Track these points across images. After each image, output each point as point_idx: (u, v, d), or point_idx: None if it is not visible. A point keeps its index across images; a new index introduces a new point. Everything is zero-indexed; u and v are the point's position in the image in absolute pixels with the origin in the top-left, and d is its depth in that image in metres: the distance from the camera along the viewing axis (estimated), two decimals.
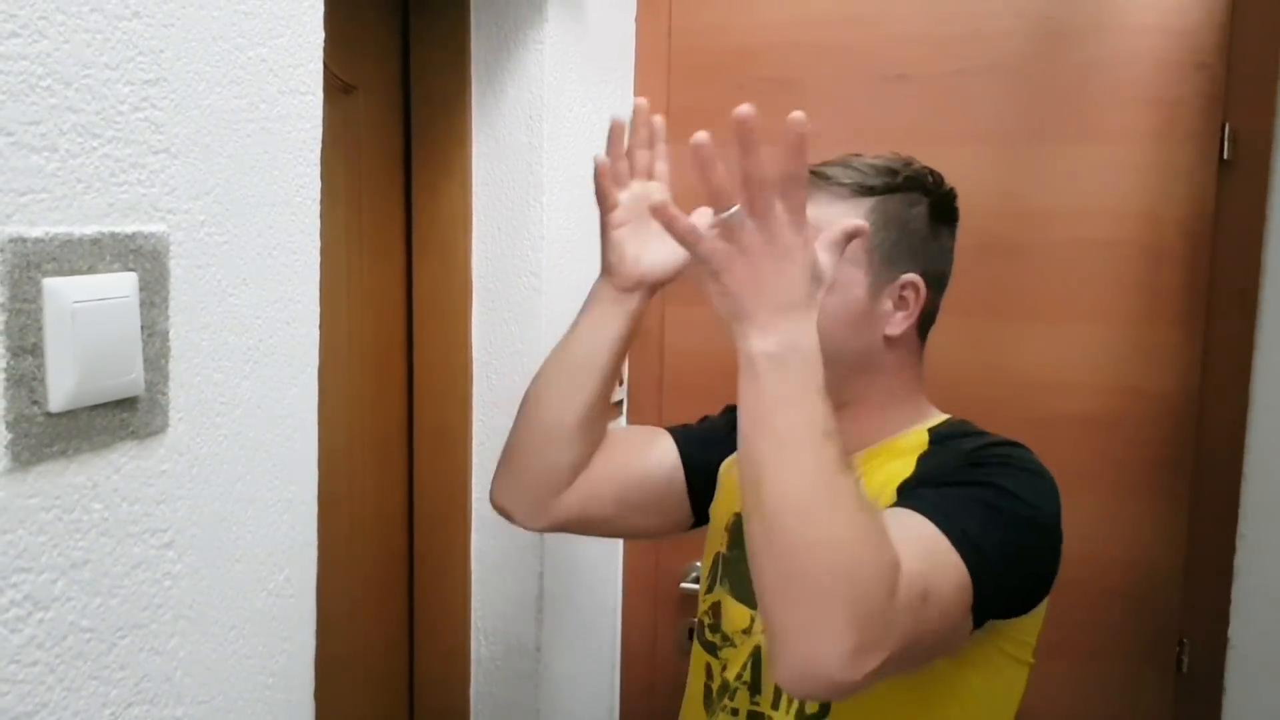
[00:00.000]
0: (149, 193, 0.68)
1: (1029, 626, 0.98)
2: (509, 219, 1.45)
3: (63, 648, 0.64)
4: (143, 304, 0.68)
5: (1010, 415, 1.54)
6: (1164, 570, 1.57)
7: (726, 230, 0.82)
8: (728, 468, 1.17)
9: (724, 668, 1.08)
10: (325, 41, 0.87)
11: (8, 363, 0.59)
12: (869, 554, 0.77)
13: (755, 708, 1.03)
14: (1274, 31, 1.46)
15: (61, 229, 0.62)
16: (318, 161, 0.87)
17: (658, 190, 1.17)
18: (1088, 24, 1.55)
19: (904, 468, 0.99)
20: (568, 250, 1.50)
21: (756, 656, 1.04)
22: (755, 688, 1.04)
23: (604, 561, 1.74)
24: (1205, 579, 1.54)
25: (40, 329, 0.61)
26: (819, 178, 1.02)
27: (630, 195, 1.16)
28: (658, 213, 0.84)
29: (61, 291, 0.62)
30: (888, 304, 1.03)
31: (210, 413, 0.76)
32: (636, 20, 1.73)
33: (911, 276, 1.03)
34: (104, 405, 0.65)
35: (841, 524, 0.78)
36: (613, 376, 1.17)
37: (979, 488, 0.91)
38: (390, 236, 1.43)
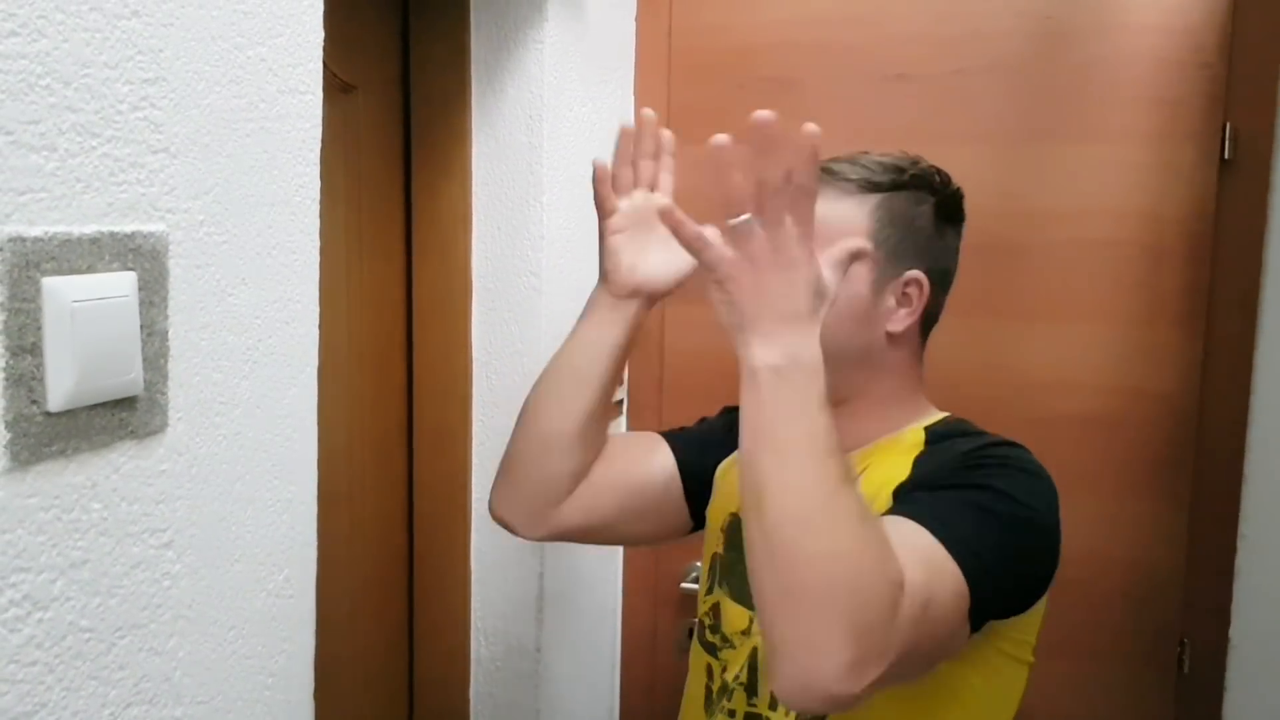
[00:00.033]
0: (148, 192, 0.68)
1: (1028, 625, 0.98)
2: (509, 219, 1.44)
3: (62, 648, 0.64)
4: (142, 303, 0.68)
5: (1010, 415, 1.54)
6: (1165, 570, 1.57)
7: (734, 238, 0.82)
8: (724, 469, 1.17)
9: (724, 669, 1.08)
10: (325, 41, 0.87)
11: (7, 362, 0.59)
12: (870, 567, 0.77)
13: (752, 709, 1.03)
14: (1275, 31, 1.46)
15: (60, 228, 0.62)
16: (317, 161, 0.87)
17: (661, 201, 1.16)
18: (1088, 23, 1.55)
19: (900, 470, 0.99)
20: (568, 250, 1.50)
21: (754, 658, 1.04)
22: (752, 689, 1.04)
23: (604, 561, 1.74)
24: (1206, 579, 1.54)
25: (39, 328, 0.61)
26: (826, 173, 1.02)
27: (630, 204, 1.16)
28: (665, 217, 0.84)
29: (60, 291, 0.62)
30: (891, 300, 1.03)
31: (209, 412, 0.76)
32: (636, 20, 1.73)
33: (915, 274, 1.03)
34: (103, 405, 0.65)
35: (843, 537, 0.78)
36: (612, 385, 1.16)
37: (975, 490, 0.91)
38: (390, 236, 1.43)
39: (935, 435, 1.03)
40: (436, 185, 1.45)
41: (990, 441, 0.99)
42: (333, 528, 1.09)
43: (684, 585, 1.76)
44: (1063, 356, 1.59)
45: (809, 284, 0.82)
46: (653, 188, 1.17)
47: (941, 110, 1.61)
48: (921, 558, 0.82)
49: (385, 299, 1.42)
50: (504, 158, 1.44)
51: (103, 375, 0.65)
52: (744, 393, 0.83)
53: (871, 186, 1.02)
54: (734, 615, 1.07)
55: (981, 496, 0.90)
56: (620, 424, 1.76)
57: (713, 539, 1.14)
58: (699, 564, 1.18)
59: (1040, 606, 0.97)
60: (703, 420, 1.27)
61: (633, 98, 1.73)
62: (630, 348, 1.16)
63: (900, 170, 1.03)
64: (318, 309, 0.89)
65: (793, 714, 0.99)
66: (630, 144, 1.17)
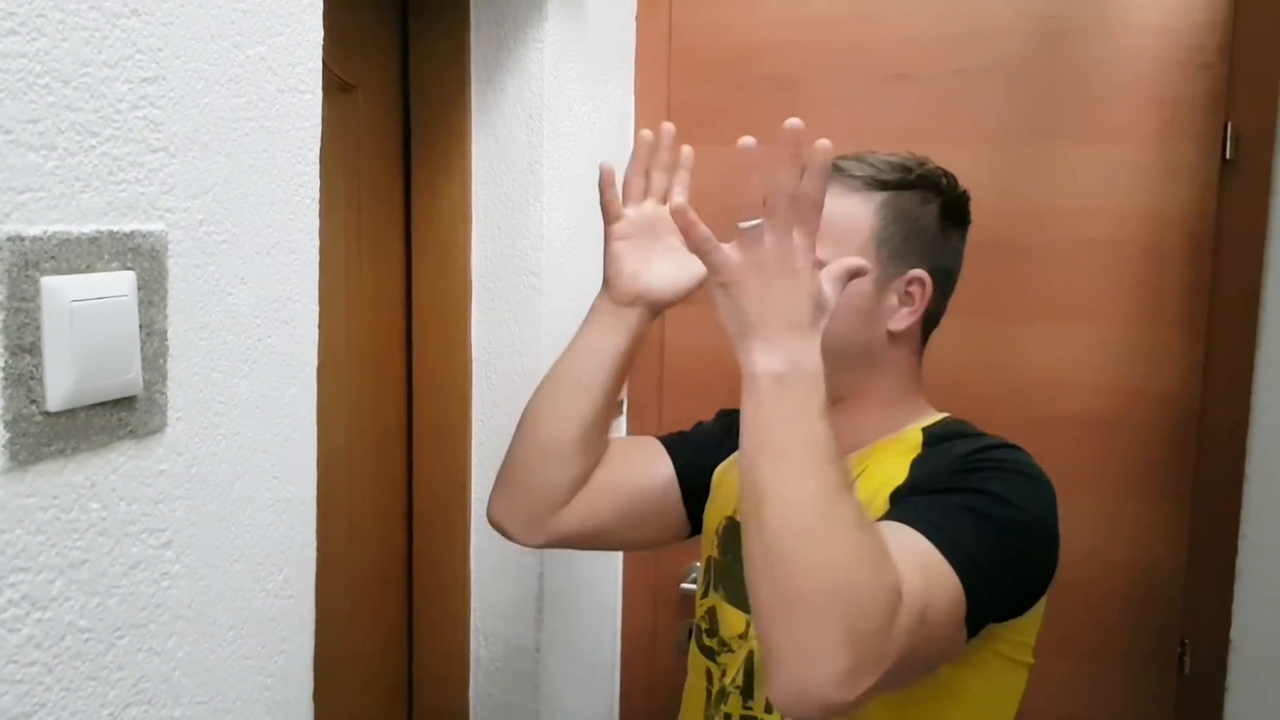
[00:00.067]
0: (147, 191, 0.68)
1: (1027, 627, 0.98)
2: (509, 218, 1.44)
3: (60, 648, 0.64)
4: (141, 303, 0.68)
5: (1010, 415, 1.54)
6: (1166, 571, 1.57)
7: (743, 243, 0.82)
8: (721, 472, 1.16)
9: (723, 673, 1.07)
10: (324, 40, 0.87)
11: (6, 362, 0.59)
12: (868, 575, 0.77)
13: (748, 712, 1.03)
14: (1276, 30, 1.46)
15: (60, 227, 0.62)
16: (317, 160, 0.87)
17: (675, 200, 1.16)
18: (1089, 23, 1.55)
19: (897, 473, 0.98)
20: (568, 250, 1.50)
21: (750, 662, 1.04)
22: (748, 692, 1.03)
23: (604, 562, 1.74)
24: (1207, 580, 1.53)
25: (38, 328, 0.61)
26: (833, 170, 1.01)
27: (638, 213, 1.15)
28: (676, 216, 0.84)
29: (59, 290, 0.61)
30: (893, 299, 1.03)
31: (209, 412, 0.76)
32: (637, 19, 1.73)
33: (918, 272, 1.02)
34: (102, 404, 0.65)
35: (841, 544, 0.78)
36: (613, 392, 1.15)
37: (971, 495, 0.90)
38: (390, 236, 1.43)
39: (933, 437, 1.02)
40: (436, 184, 1.45)
41: (987, 444, 0.98)
42: (332, 528, 1.09)
43: (684, 585, 1.76)
44: (1063, 356, 1.59)
45: (811, 295, 0.83)
46: (664, 200, 1.16)
47: (941, 110, 1.61)
48: (918, 564, 0.82)
49: (385, 298, 1.42)
50: (504, 157, 1.44)
51: (102, 375, 0.64)
52: (745, 399, 0.83)
53: (878, 184, 1.02)
54: (731, 619, 1.07)
55: (977, 501, 0.90)
56: (620, 424, 1.76)
57: (708, 542, 1.14)
58: (699, 565, 1.18)
59: (1039, 608, 0.97)
60: (699, 425, 1.26)
61: (633, 97, 1.73)
62: (633, 356, 1.15)
63: (907, 169, 1.03)
64: (317, 308, 0.89)
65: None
66: (647, 153, 1.16)
